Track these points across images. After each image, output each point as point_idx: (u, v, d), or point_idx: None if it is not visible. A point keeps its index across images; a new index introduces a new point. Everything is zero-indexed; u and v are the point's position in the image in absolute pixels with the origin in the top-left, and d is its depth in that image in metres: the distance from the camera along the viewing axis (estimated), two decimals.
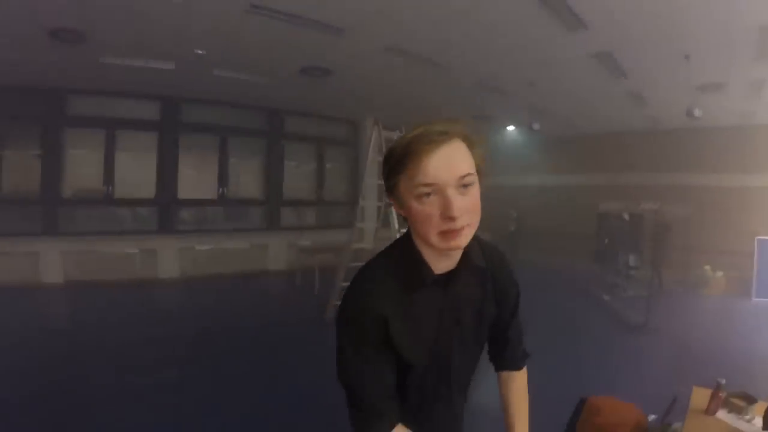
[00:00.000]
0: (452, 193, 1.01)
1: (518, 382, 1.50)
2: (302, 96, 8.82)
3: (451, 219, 1.01)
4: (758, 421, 2.13)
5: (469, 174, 1.03)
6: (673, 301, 7.70)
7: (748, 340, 5.86)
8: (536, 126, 10.18)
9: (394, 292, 1.13)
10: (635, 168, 10.80)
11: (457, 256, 1.18)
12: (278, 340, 5.62)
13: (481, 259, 1.27)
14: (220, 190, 9.78)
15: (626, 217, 8.30)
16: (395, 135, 5.95)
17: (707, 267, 9.04)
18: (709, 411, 2.25)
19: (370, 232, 6.92)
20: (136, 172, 8.89)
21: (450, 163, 1.02)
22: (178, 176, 9.23)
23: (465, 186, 1.03)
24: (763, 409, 2.08)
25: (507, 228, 12.13)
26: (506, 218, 12.29)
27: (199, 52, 6.27)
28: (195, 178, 9.56)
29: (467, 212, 1.04)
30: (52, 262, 7.95)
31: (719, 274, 8.96)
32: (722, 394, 2.26)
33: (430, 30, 5.59)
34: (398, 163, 1.05)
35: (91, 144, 8.46)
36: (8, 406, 3.65)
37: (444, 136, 1.02)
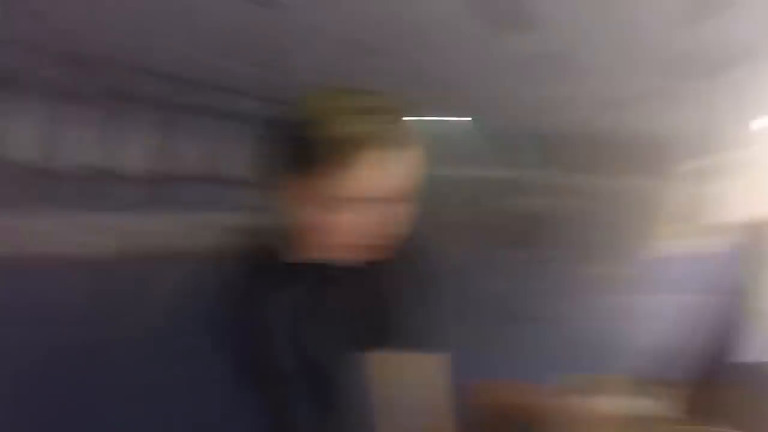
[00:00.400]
0: (391, 208, 0.81)
1: None
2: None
3: (380, 237, 0.82)
4: (642, 401, 2.26)
5: (412, 184, 0.83)
6: (569, 294, 8.05)
7: (639, 333, 6.18)
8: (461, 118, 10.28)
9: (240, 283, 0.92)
10: (543, 164, 11.20)
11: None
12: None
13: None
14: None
15: (526, 211, 8.52)
16: None
17: (602, 262, 9.49)
18: (581, 395, 2.36)
19: None
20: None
21: (401, 170, 0.80)
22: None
23: (404, 199, 0.83)
24: (646, 390, 2.21)
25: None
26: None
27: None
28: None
29: (395, 227, 0.83)
30: None
31: (613, 269, 9.41)
32: (603, 379, 2.37)
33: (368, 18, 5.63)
34: (328, 153, 0.76)
35: None
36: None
37: (401, 133, 0.80)
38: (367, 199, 0.78)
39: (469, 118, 10.33)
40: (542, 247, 8.19)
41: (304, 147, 0.78)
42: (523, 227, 8.46)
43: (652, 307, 7.70)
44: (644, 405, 2.27)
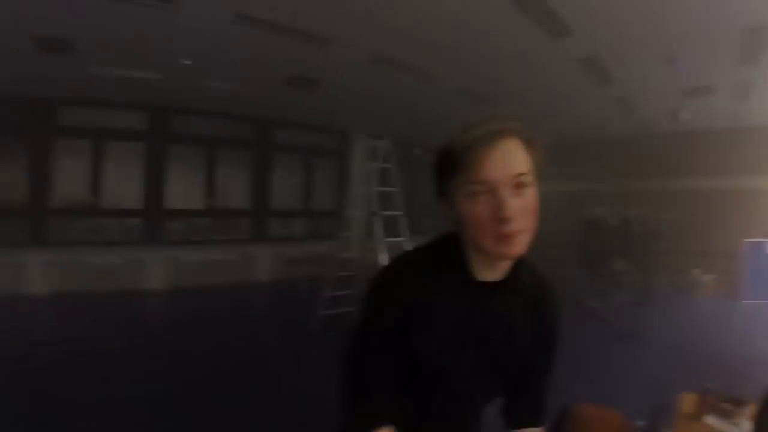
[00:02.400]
0: (505, 192, 0.96)
1: None
2: (289, 106, 8.78)
3: (505, 220, 0.95)
4: (747, 425, 2.11)
5: (523, 173, 0.98)
6: (662, 306, 7.69)
7: (738, 343, 5.84)
8: None
9: (425, 285, 1.08)
10: (623, 173, 10.84)
11: (504, 268, 1.10)
12: (266, 353, 5.55)
13: (530, 282, 1.18)
14: (208, 200, 9.68)
15: (613, 222, 8.27)
16: (381, 143, 5.96)
17: (696, 270, 9.08)
18: (698, 416, 2.24)
19: (357, 242, 6.87)
20: (124, 182, 8.79)
21: (504, 160, 0.97)
22: (166, 186, 9.13)
23: (519, 186, 0.98)
24: (752, 412, 2.06)
25: None
26: None
27: (186, 62, 6.25)
28: (183, 189, 9.47)
29: (522, 215, 0.98)
30: (39, 272, 7.78)
31: (708, 277, 8.98)
32: (710, 399, 2.25)
33: (415, 38, 5.58)
34: (453, 162, 1.00)
35: (79, 154, 8.35)
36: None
37: (500, 134, 0.98)
38: (482, 182, 0.96)
39: None
40: (630, 259, 7.87)
41: (446, 157, 1.02)
42: (609, 239, 8.17)
43: (744, 314, 7.29)
44: (745, 427, 2.12)
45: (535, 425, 1.25)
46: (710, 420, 2.23)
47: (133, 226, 9.09)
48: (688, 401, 2.36)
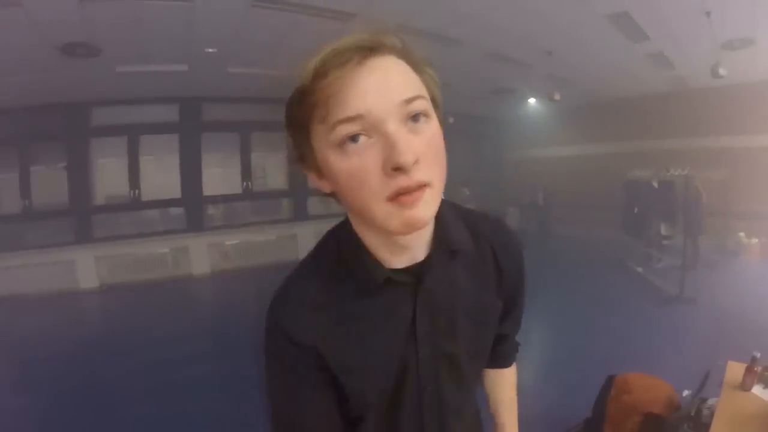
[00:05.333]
0: (395, 127, 0.64)
1: (509, 379, 1.20)
2: None
3: (401, 169, 0.62)
4: None
5: (418, 97, 0.67)
6: (708, 270, 7.43)
7: None
8: (557, 96, 9.84)
9: (325, 305, 0.79)
10: (663, 133, 10.42)
11: (424, 239, 0.80)
12: None
13: (466, 238, 0.86)
14: (245, 184, 9.79)
15: (655, 184, 7.99)
16: None
17: (742, 234, 8.76)
18: (744, 386, 2.16)
19: None
20: (162, 174, 9.00)
21: (386, 81, 0.65)
22: (203, 174, 9.28)
23: (416, 118, 0.66)
24: None
25: (535, 202, 11.92)
26: (534, 192, 12.07)
27: (210, 50, 6.25)
28: (219, 175, 9.65)
29: (425, 159, 0.65)
30: (88, 267, 8.12)
31: (755, 240, 8.66)
32: (758, 369, 2.16)
33: (438, 5, 5.47)
34: (305, 104, 0.67)
35: (116, 151, 8.57)
36: (57, 411, 3.79)
37: (368, 51, 0.66)
38: (354, 117, 0.63)
39: (558, 96, 9.67)
40: (674, 221, 7.63)
41: (292, 100, 0.72)
42: (651, 201, 7.92)
43: None
44: None
45: (510, 365, 1.19)
46: (758, 390, 2.14)
47: (175, 215, 9.33)
48: (735, 370, 2.28)
